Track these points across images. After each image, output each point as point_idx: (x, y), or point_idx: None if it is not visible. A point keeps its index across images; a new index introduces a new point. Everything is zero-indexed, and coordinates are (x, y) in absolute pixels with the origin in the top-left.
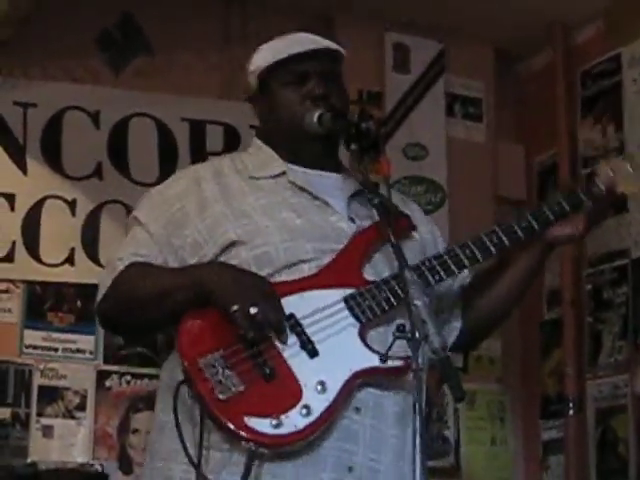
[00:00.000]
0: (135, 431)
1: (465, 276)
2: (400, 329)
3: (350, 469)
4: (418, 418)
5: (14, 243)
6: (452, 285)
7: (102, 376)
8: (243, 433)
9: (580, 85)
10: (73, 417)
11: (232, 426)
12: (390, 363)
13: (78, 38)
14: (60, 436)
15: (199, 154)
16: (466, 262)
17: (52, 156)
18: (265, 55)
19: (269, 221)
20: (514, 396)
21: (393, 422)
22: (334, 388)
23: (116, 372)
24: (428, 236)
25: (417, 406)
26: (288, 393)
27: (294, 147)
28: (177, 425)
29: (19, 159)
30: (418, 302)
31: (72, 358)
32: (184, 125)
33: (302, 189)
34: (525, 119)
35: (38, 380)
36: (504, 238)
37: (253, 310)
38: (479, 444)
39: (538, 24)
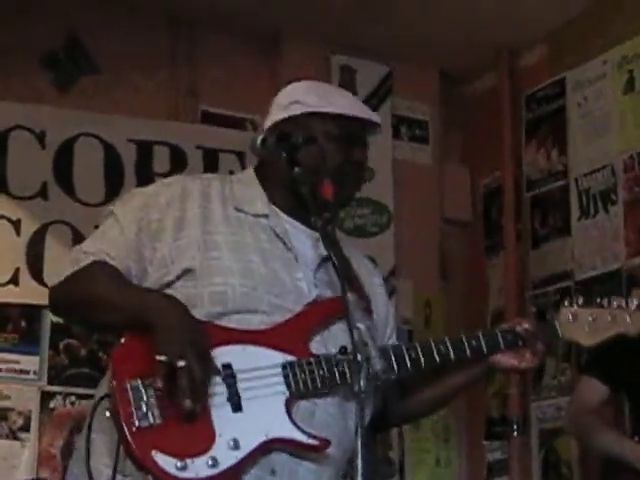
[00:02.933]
0: None
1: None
2: (342, 351)
3: None
4: (360, 442)
5: None
6: None
7: (46, 397)
8: (146, 465)
9: (525, 108)
10: (17, 438)
11: (138, 455)
12: (305, 439)
13: (23, 58)
14: (3, 457)
15: (145, 175)
16: (408, 363)
17: None
18: (320, 100)
19: (235, 261)
20: (458, 418)
21: None
22: (246, 448)
23: (60, 393)
24: (382, 314)
25: (359, 429)
26: (201, 439)
27: (303, 196)
28: (87, 441)
29: None
30: (361, 325)
31: (16, 378)
32: (130, 146)
33: (278, 236)
34: (470, 142)
35: None
36: (451, 352)
37: (181, 363)
38: (423, 465)
39: (484, 48)
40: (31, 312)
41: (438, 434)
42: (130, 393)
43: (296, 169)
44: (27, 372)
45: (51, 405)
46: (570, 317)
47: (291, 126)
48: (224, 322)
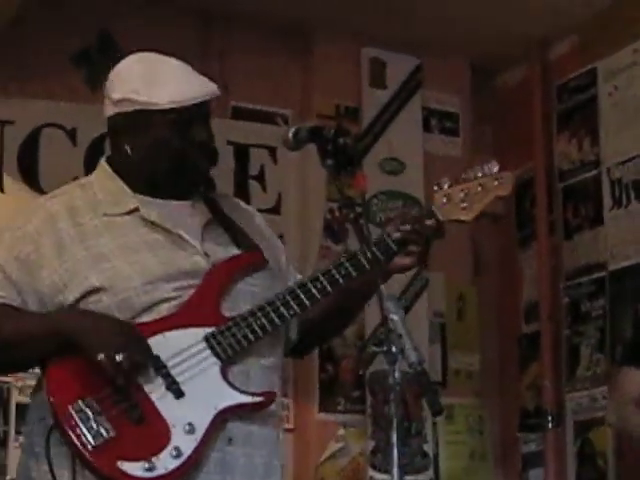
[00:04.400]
0: None
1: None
2: (376, 343)
3: None
4: (395, 432)
5: None
6: None
7: None
8: (116, 478)
9: (556, 99)
10: None
11: (104, 471)
12: (251, 399)
13: (56, 55)
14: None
15: None
16: (317, 294)
17: (29, 173)
18: (157, 85)
19: (128, 264)
20: (493, 410)
21: (261, 446)
22: (201, 428)
23: None
24: (275, 252)
25: (395, 420)
26: (158, 435)
27: (160, 182)
28: (51, 472)
29: None
30: (394, 316)
31: None
32: None
33: (155, 224)
34: (501, 133)
35: (16, 398)
36: (363, 261)
37: (119, 357)
38: (458, 458)
39: (514, 39)
40: None
41: (472, 426)
42: (76, 417)
43: (147, 159)
44: None
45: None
46: (444, 199)
47: (127, 119)
48: (137, 321)
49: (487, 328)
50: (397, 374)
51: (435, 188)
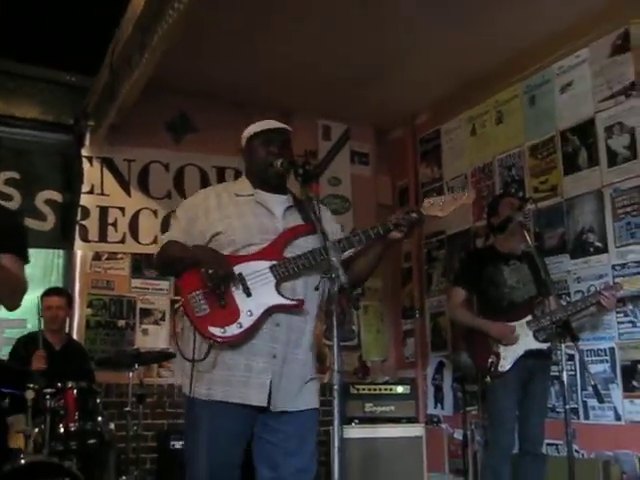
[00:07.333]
0: None
1: (349, 253)
2: (325, 272)
3: (274, 356)
4: (335, 319)
5: (125, 234)
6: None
7: (173, 303)
8: (206, 334)
9: (419, 145)
10: (158, 324)
11: (201, 330)
12: (289, 302)
13: (156, 123)
14: (152, 334)
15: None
16: (356, 243)
17: (144, 187)
18: (253, 128)
19: (239, 222)
20: (389, 307)
21: (296, 331)
22: (257, 314)
23: (180, 299)
24: (330, 229)
25: (334, 313)
26: (232, 315)
27: (260, 180)
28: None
29: (126, 188)
30: (334, 258)
31: (157, 293)
32: (214, 170)
33: (261, 204)
34: (392, 163)
35: (140, 305)
36: (371, 233)
37: (210, 271)
38: (370, 333)
39: (397, 113)
40: None
41: (378, 315)
42: (190, 300)
43: (253, 167)
44: (162, 290)
45: (175, 306)
46: (429, 203)
47: (247, 148)
48: (237, 253)
49: (385, 265)
50: (335, 288)
51: (427, 198)
